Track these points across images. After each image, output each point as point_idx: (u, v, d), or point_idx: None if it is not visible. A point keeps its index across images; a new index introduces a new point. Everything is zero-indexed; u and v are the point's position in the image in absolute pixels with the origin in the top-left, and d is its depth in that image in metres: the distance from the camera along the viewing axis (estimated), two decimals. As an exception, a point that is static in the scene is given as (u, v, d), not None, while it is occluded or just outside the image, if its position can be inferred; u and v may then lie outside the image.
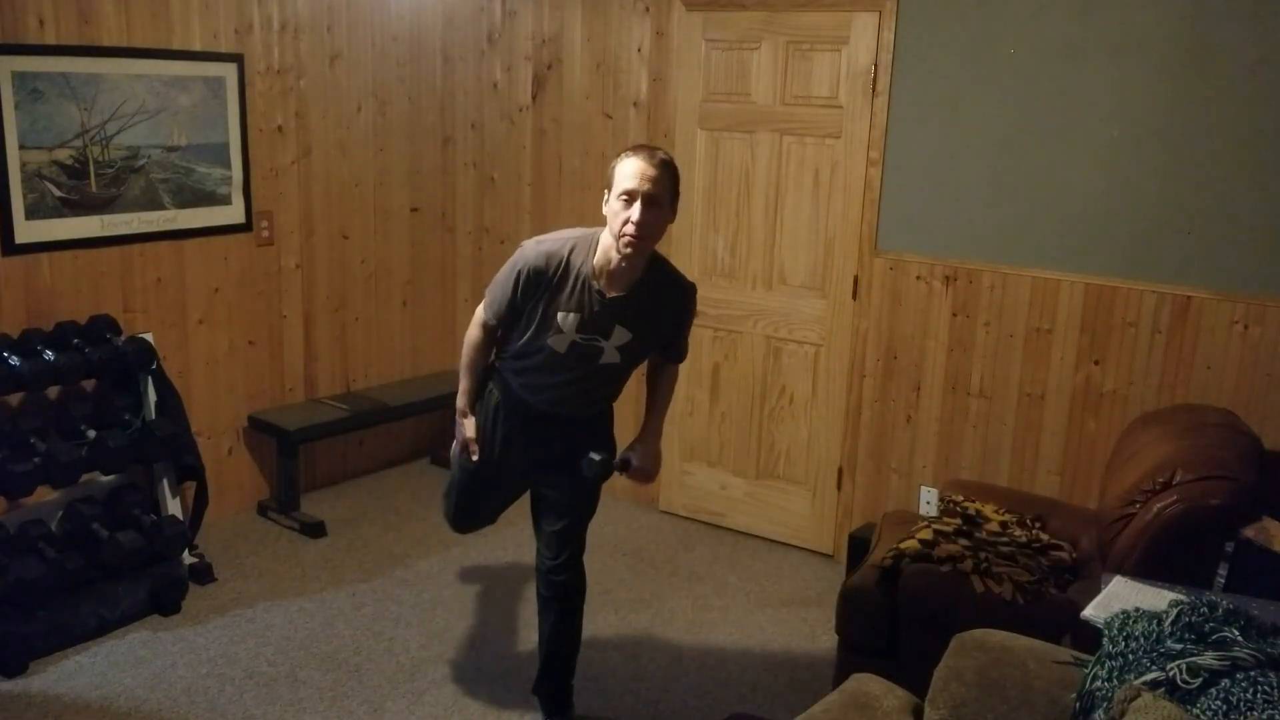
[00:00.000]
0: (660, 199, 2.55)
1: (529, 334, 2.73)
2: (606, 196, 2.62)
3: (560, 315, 2.67)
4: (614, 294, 2.67)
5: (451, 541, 4.42)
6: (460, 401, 2.94)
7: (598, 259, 2.66)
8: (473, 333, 2.89)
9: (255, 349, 4.56)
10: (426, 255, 5.24)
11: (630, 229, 2.52)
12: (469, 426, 2.92)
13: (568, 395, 2.82)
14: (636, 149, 2.62)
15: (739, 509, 4.64)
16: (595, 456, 2.79)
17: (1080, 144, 3.65)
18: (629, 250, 2.56)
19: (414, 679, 3.42)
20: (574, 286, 2.65)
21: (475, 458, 2.90)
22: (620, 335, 2.70)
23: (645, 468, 2.92)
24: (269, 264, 4.55)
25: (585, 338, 2.69)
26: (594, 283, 2.65)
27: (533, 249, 2.69)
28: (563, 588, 3.04)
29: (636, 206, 2.52)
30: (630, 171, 2.54)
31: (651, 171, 2.53)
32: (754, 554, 4.45)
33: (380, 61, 4.86)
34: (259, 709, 3.22)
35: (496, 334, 2.87)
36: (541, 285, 2.66)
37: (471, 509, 3.13)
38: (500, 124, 5.03)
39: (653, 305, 2.72)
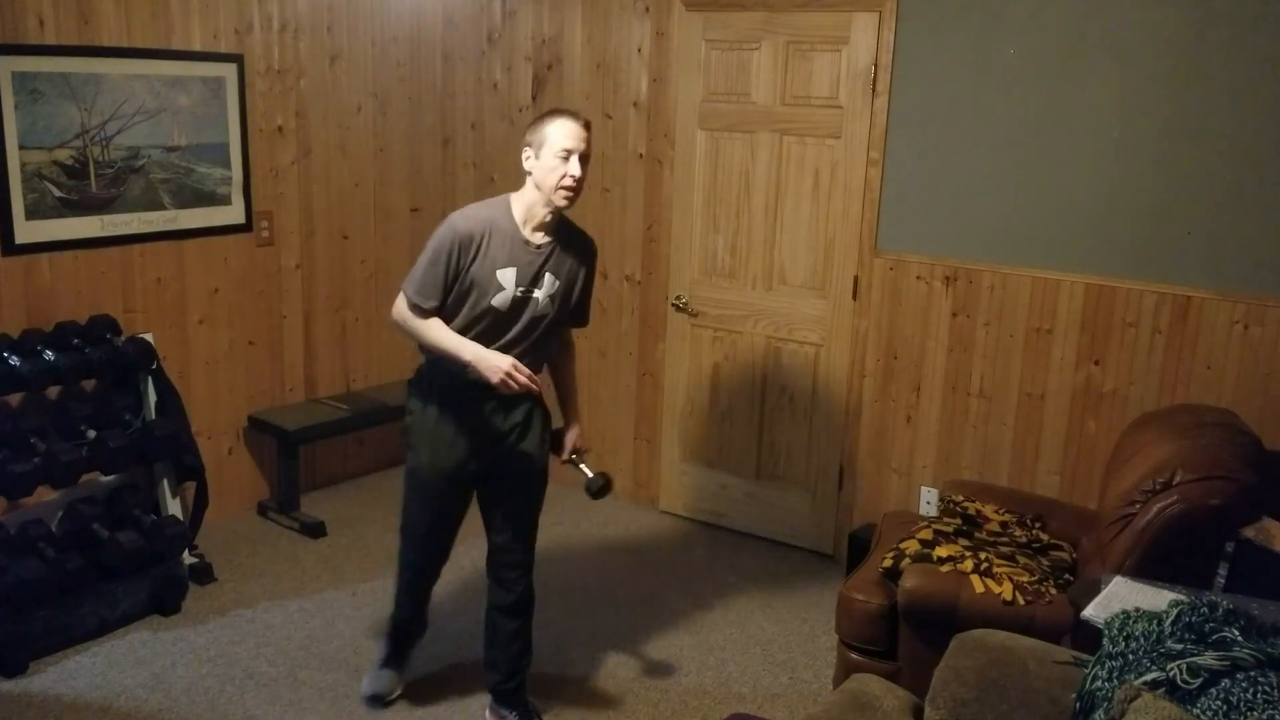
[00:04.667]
0: (589, 155, 2.86)
1: (469, 303, 2.86)
2: (530, 155, 2.84)
3: (500, 273, 2.85)
4: (541, 242, 2.91)
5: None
6: (467, 350, 2.83)
7: (519, 215, 2.89)
8: (408, 316, 2.91)
9: (255, 349, 4.56)
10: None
11: (569, 181, 2.80)
12: (492, 357, 2.82)
13: (511, 353, 2.86)
14: (561, 112, 2.87)
15: (739, 509, 4.64)
16: (590, 474, 3.02)
17: (1081, 144, 3.65)
18: (565, 202, 2.83)
19: (414, 679, 3.41)
20: (506, 243, 2.86)
21: (524, 379, 2.81)
22: (549, 284, 2.92)
23: (575, 441, 3.12)
24: (269, 264, 4.55)
25: (523, 291, 2.88)
26: (522, 233, 2.88)
27: (460, 219, 2.87)
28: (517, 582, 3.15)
29: (574, 161, 2.79)
30: (567, 131, 2.80)
31: (584, 132, 2.83)
32: (754, 554, 4.45)
33: (380, 61, 4.86)
34: (259, 709, 3.22)
35: (436, 320, 2.90)
36: (475, 249, 2.83)
37: (439, 524, 3.12)
38: (500, 124, 5.03)
39: (568, 253, 2.96)
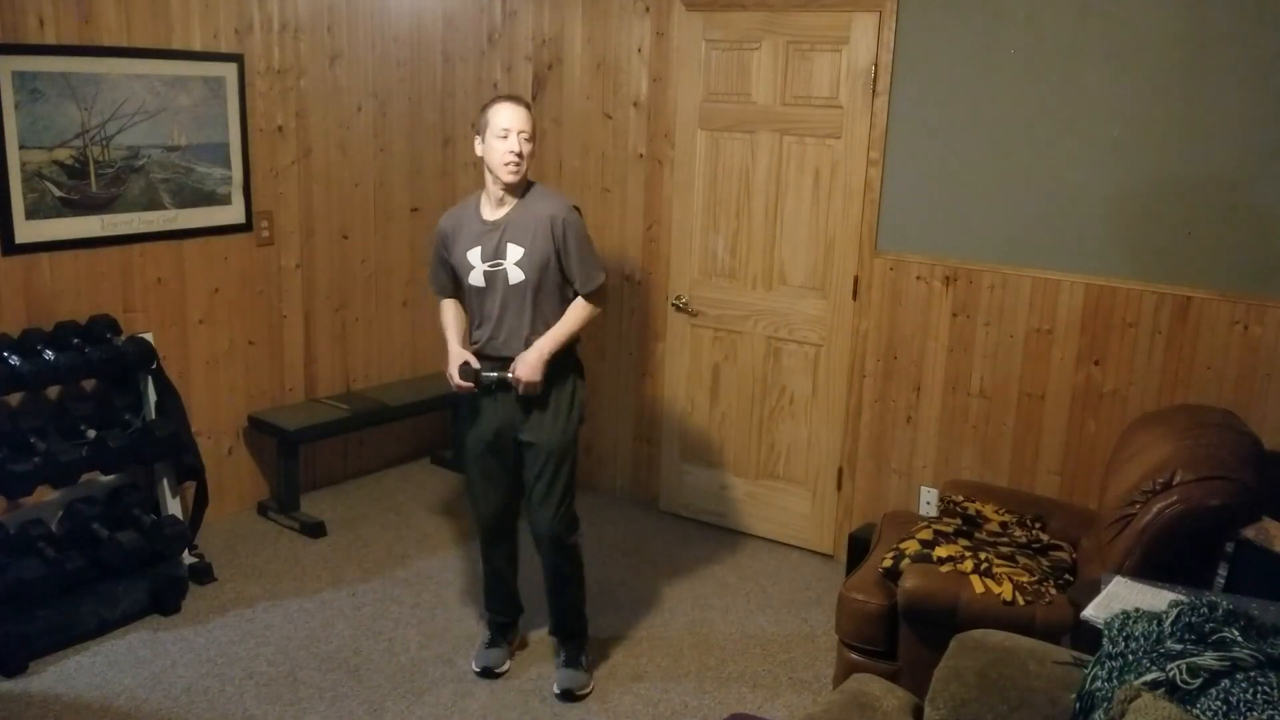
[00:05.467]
0: (529, 133, 3.13)
1: (464, 287, 3.28)
2: (478, 141, 3.17)
3: (469, 253, 3.20)
4: (496, 217, 3.19)
5: (451, 541, 4.42)
6: (449, 343, 3.34)
7: (483, 200, 3.24)
8: (439, 310, 3.46)
9: (255, 349, 4.56)
10: (426, 255, 5.22)
11: (511, 156, 3.09)
12: (453, 354, 3.29)
13: (502, 324, 3.21)
14: (499, 98, 3.19)
15: (739, 509, 4.64)
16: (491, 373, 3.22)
17: (1081, 144, 3.65)
18: (512, 176, 3.12)
19: (414, 679, 3.42)
20: (469, 226, 3.22)
21: (459, 379, 3.23)
22: (514, 252, 3.16)
23: (517, 372, 3.20)
24: (269, 264, 4.55)
25: (491, 264, 3.17)
26: (481, 214, 3.22)
27: (442, 218, 3.35)
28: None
29: (513, 137, 3.09)
30: (504, 112, 3.12)
31: (520, 108, 3.13)
32: (754, 554, 4.45)
33: (380, 61, 4.86)
34: (259, 709, 3.22)
35: (449, 298, 3.41)
36: (450, 237, 3.26)
37: (478, 482, 3.38)
38: (500, 124, 5.02)
39: (533, 219, 3.16)
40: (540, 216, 3.16)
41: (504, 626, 3.55)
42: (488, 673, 3.44)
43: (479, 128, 3.16)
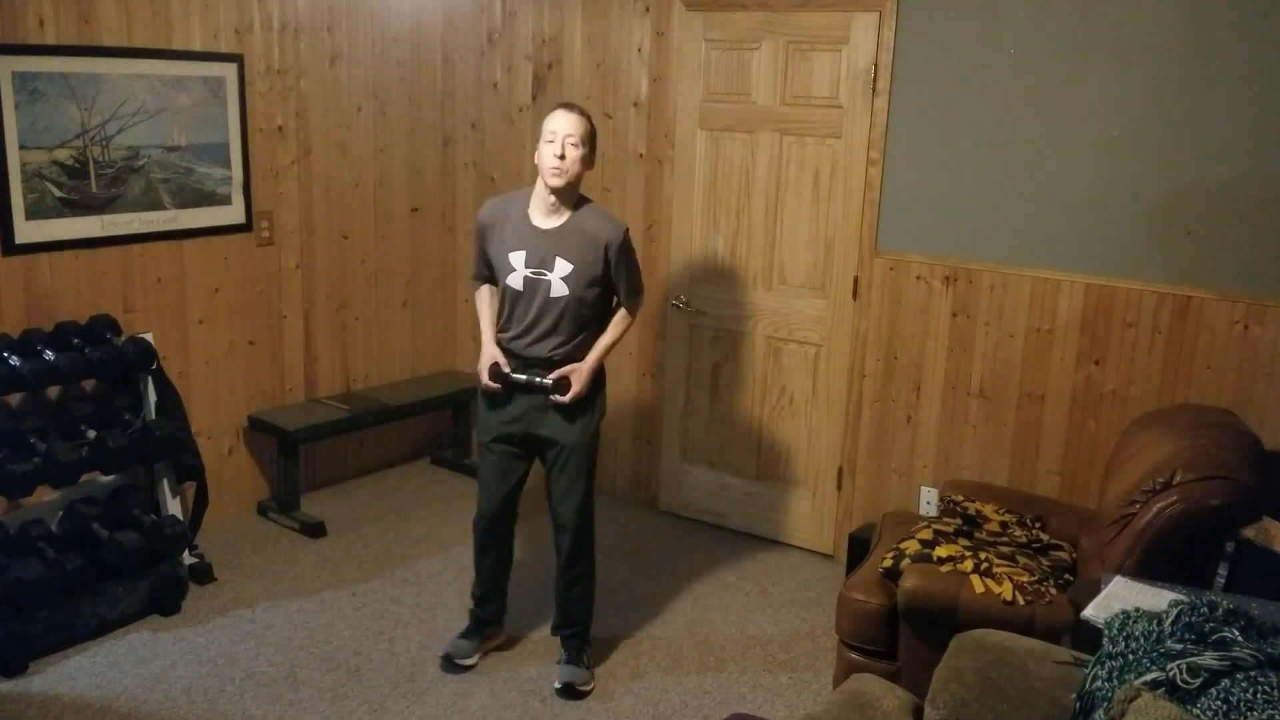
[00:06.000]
0: (576, 139, 3.11)
1: (500, 282, 3.28)
2: (536, 149, 3.17)
3: (511, 255, 3.20)
4: (547, 227, 3.19)
5: (451, 541, 4.42)
6: (484, 335, 3.36)
7: (533, 202, 3.22)
8: (475, 294, 3.48)
9: (255, 349, 4.56)
10: (426, 255, 5.24)
11: (554, 161, 3.09)
12: (486, 353, 3.31)
13: (533, 330, 3.24)
14: (558, 105, 3.20)
15: (739, 509, 4.64)
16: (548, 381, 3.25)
17: (1081, 144, 3.65)
18: (555, 180, 3.11)
19: (414, 679, 3.42)
20: (515, 226, 3.21)
21: (487, 378, 3.27)
22: (562, 267, 3.17)
23: (572, 386, 3.24)
24: (269, 264, 4.55)
25: (534, 272, 3.18)
26: (530, 218, 3.20)
27: (483, 208, 3.33)
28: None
29: (558, 142, 3.10)
30: (554, 118, 3.14)
31: (570, 116, 3.13)
32: (754, 554, 4.45)
33: (380, 61, 4.86)
34: (259, 709, 3.22)
35: (486, 286, 3.43)
36: (491, 230, 3.26)
37: (487, 474, 3.39)
38: (500, 124, 5.03)
39: (586, 239, 3.18)
40: (594, 236, 3.18)
41: (483, 623, 3.55)
42: (448, 660, 3.44)
43: (538, 135, 3.19)
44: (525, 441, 3.34)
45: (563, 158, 3.09)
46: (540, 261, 3.17)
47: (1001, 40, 3.73)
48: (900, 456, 4.20)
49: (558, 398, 3.21)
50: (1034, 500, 3.61)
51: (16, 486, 3.45)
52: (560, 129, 3.10)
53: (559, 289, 3.17)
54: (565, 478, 3.32)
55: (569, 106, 3.17)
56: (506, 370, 3.24)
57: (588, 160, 3.16)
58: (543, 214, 3.19)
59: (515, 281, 3.20)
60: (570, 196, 3.18)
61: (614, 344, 3.33)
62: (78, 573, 3.51)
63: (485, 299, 3.41)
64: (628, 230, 3.26)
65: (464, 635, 3.52)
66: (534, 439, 3.33)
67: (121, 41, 3.89)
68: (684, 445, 4.74)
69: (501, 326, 3.30)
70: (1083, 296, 3.72)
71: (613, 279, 3.25)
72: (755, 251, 4.41)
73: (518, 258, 3.18)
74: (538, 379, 3.22)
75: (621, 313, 3.34)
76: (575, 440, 3.29)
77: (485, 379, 3.25)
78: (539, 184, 3.18)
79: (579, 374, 3.22)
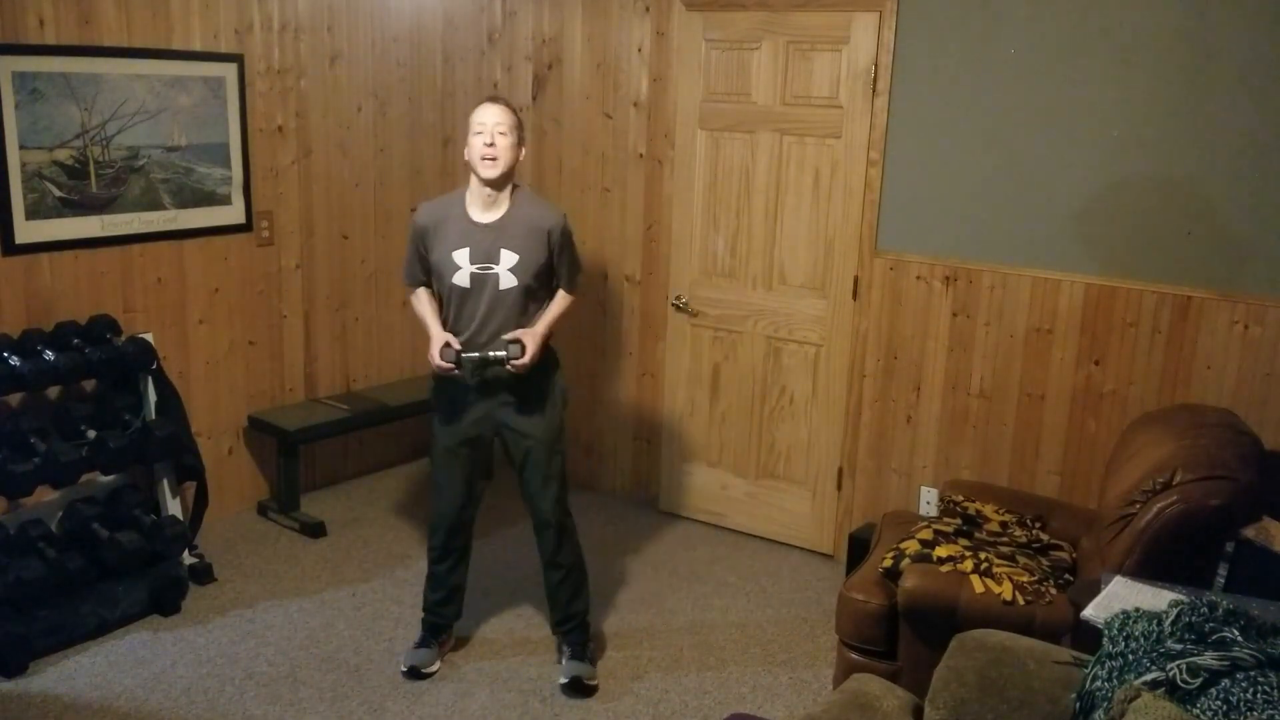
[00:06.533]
0: (505, 128, 3.17)
1: (441, 284, 3.27)
2: (466, 145, 3.22)
3: (455, 253, 3.20)
4: (488, 221, 3.22)
5: (451, 541, 4.42)
6: (430, 329, 3.30)
7: (470, 199, 3.24)
8: (409, 294, 3.44)
9: (255, 349, 4.56)
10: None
11: (486, 149, 3.14)
12: (436, 337, 3.25)
13: (485, 327, 3.24)
14: (485, 98, 3.28)
15: (739, 509, 4.64)
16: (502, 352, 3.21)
17: (1081, 144, 3.65)
18: (489, 171, 3.15)
19: (414, 679, 3.41)
20: (456, 224, 3.23)
21: (439, 360, 3.19)
22: (508, 258, 3.20)
23: (526, 346, 3.20)
24: (269, 264, 4.55)
25: (480, 267, 3.19)
26: (470, 215, 3.22)
27: (418, 212, 3.33)
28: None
29: (487, 132, 3.15)
30: (481, 112, 3.20)
31: (496, 108, 3.19)
32: (754, 554, 4.45)
33: (380, 61, 4.86)
34: (259, 709, 3.22)
35: (423, 289, 3.39)
36: (431, 232, 3.26)
37: (444, 479, 3.38)
38: (500, 124, 5.02)
39: (529, 228, 3.22)
40: (536, 225, 3.22)
41: (437, 628, 3.53)
42: (414, 672, 3.41)
43: (467, 131, 3.24)
44: (482, 444, 3.37)
45: (493, 145, 3.13)
46: (485, 256, 3.19)
47: (1001, 40, 3.73)
48: (900, 456, 4.20)
49: (515, 362, 3.16)
50: (1034, 500, 3.61)
51: (16, 486, 3.46)
52: (489, 119, 3.16)
53: (507, 281, 3.19)
54: (539, 472, 3.32)
55: (494, 99, 3.26)
56: (458, 348, 3.19)
57: (517, 149, 3.21)
58: (481, 208, 3.21)
59: (461, 279, 3.20)
60: (505, 186, 3.22)
61: (560, 316, 3.33)
62: (78, 573, 3.51)
63: (424, 298, 3.37)
64: (565, 215, 3.32)
65: (422, 644, 3.49)
66: (499, 437, 3.36)
67: (121, 41, 3.89)
68: (684, 445, 4.74)
69: (450, 329, 3.28)
70: (1083, 296, 3.72)
71: (555, 264, 3.29)
72: (755, 251, 4.41)
73: (462, 255, 3.19)
74: (490, 353, 3.19)
75: (562, 293, 3.35)
76: (542, 433, 3.30)
77: (439, 361, 3.18)
78: (472, 181, 3.22)
79: (532, 336, 3.20)
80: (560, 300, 3.35)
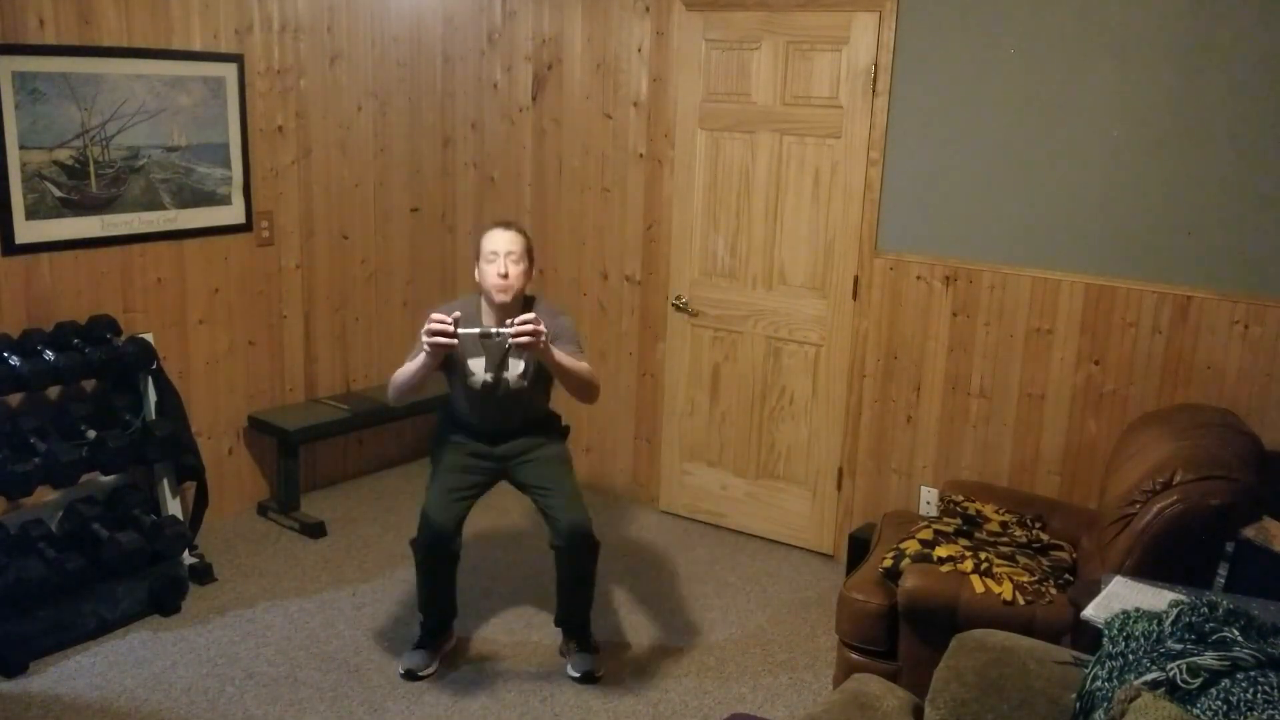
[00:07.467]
0: (517, 255, 3.25)
1: (454, 382, 3.41)
2: (476, 266, 3.30)
3: (470, 361, 3.32)
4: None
5: (451, 541, 4.42)
6: (419, 354, 3.18)
7: (484, 310, 3.32)
8: (400, 370, 3.27)
9: (255, 349, 4.56)
10: (426, 255, 5.24)
11: (498, 280, 3.22)
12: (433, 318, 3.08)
13: (496, 416, 3.42)
14: (492, 223, 3.35)
15: (739, 509, 4.64)
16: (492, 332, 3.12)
17: (1081, 144, 3.65)
18: (502, 297, 3.24)
19: (411, 680, 3.41)
20: (471, 336, 3.16)
21: (434, 336, 3.03)
22: (515, 366, 3.34)
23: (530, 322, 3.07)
24: (269, 264, 4.55)
25: (493, 376, 3.34)
26: (484, 325, 3.24)
27: (434, 317, 3.11)
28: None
29: (500, 260, 3.22)
30: (493, 237, 3.27)
31: (508, 233, 3.27)
32: (754, 554, 4.45)
33: (380, 61, 4.86)
34: (259, 709, 3.22)
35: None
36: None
37: (454, 490, 3.41)
38: (500, 124, 5.03)
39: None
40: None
41: (434, 631, 3.53)
42: (411, 674, 3.41)
43: (474, 253, 3.31)
44: (483, 463, 3.44)
45: (506, 276, 3.22)
46: (498, 365, 3.32)
47: (1002, 40, 3.73)
48: (900, 456, 4.20)
49: (520, 329, 2.98)
50: (1034, 500, 3.61)
51: (16, 486, 3.46)
52: (501, 247, 3.23)
53: (517, 385, 3.35)
54: (563, 488, 3.39)
55: (506, 224, 3.32)
56: (457, 315, 3.04)
57: (528, 274, 3.30)
58: (495, 323, 3.25)
59: (475, 384, 3.34)
60: (518, 306, 3.29)
61: (572, 368, 3.19)
62: (78, 573, 3.51)
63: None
64: (573, 320, 3.44)
65: (420, 646, 3.50)
66: (495, 463, 3.45)
67: (121, 42, 3.89)
68: (684, 445, 4.74)
69: (466, 419, 3.44)
70: (1083, 296, 3.72)
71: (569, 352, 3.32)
72: (755, 251, 4.41)
73: (477, 364, 3.32)
74: (494, 329, 3.10)
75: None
76: (555, 452, 3.48)
77: (432, 324, 3.00)
78: (485, 298, 3.30)
79: (539, 321, 3.07)
80: (581, 362, 3.30)
